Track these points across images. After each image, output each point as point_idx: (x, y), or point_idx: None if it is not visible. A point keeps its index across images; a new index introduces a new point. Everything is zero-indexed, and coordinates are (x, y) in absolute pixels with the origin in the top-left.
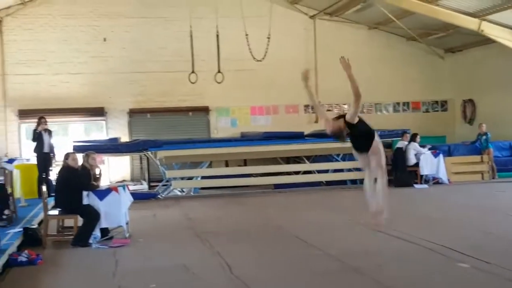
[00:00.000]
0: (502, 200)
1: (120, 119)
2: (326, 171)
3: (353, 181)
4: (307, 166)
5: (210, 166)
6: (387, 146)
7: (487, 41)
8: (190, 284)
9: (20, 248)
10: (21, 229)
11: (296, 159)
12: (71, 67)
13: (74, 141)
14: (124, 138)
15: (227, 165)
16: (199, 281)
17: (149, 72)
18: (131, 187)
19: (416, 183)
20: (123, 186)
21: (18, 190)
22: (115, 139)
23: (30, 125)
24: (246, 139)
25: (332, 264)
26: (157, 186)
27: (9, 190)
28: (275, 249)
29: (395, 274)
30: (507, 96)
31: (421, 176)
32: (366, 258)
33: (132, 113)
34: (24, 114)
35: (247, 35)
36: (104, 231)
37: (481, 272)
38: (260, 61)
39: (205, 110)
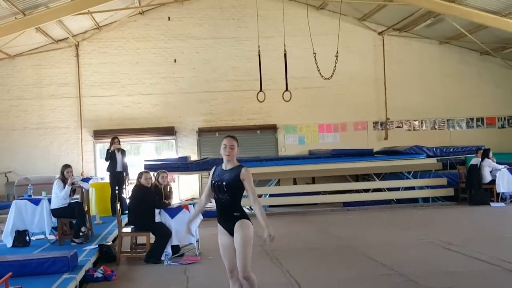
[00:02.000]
0: None
1: (189, 138)
2: (397, 189)
3: (425, 199)
4: (376, 183)
5: (278, 184)
6: (461, 163)
7: None
8: None
9: (95, 264)
10: (97, 246)
11: (365, 177)
12: (143, 88)
13: (146, 160)
14: (194, 156)
15: (295, 183)
16: None
17: (218, 92)
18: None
19: (492, 201)
20: (193, 204)
21: (93, 208)
22: (185, 158)
23: (104, 145)
24: (314, 156)
25: (404, 284)
26: None
27: (85, 208)
28: (345, 268)
29: None
30: None
31: (498, 194)
32: (439, 278)
33: (201, 132)
34: (98, 134)
35: (315, 53)
36: (175, 248)
37: None
38: (328, 79)
39: (272, 128)
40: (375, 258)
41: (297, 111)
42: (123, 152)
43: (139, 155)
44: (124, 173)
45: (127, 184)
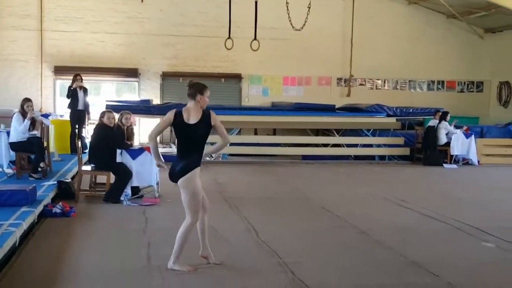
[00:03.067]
0: None
1: (152, 82)
2: (355, 146)
3: (382, 157)
4: (336, 139)
5: (239, 133)
6: (419, 124)
7: None
8: (218, 246)
9: (54, 200)
10: (55, 182)
11: (326, 132)
12: (107, 27)
13: (107, 100)
14: (156, 100)
15: (256, 133)
16: (227, 243)
17: (184, 36)
18: (160, 150)
19: (446, 162)
20: None
21: (52, 145)
22: (147, 101)
23: (64, 82)
24: (277, 108)
25: (357, 236)
26: None
27: (44, 144)
28: (301, 218)
29: (420, 250)
30: None
31: (451, 156)
32: (391, 232)
33: (165, 76)
34: (59, 70)
35: (287, 3)
36: (135, 190)
37: (506, 252)
38: (299, 30)
39: (237, 77)
40: (330, 210)
41: (263, 62)
42: (85, 90)
43: (99, 95)
44: (86, 111)
45: (87, 123)
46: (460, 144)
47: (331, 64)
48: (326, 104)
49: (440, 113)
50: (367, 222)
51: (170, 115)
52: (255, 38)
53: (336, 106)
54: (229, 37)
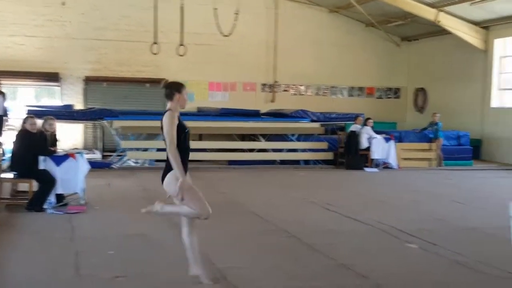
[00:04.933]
0: (449, 187)
1: (75, 86)
2: (281, 150)
3: (307, 161)
4: (262, 144)
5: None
6: (341, 129)
7: (442, 32)
8: (149, 252)
9: None
10: None
11: (252, 137)
12: (27, 30)
13: (28, 105)
14: (78, 105)
15: None
16: (158, 248)
17: (107, 40)
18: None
19: (367, 166)
20: (81, 153)
21: None
22: (69, 106)
23: None
24: (202, 114)
25: (287, 240)
26: (110, 156)
27: None
28: (232, 223)
29: (348, 252)
30: (457, 87)
31: (372, 160)
32: (320, 236)
33: (88, 80)
34: None
35: (215, 8)
36: (60, 197)
37: (428, 253)
38: (227, 36)
39: (162, 82)
40: (260, 215)
41: (188, 67)
42: (3, 94)
43: (16, 100)
44: (4, 117)
45: (4, 128)
46: (381, 148)
47: (255, 70)
48: (251, 110)
49: (361, 118)
50: (296, 226)
51: (175, 118)
52: (181, 44)
53: (261, 112)
54: (155, 42)
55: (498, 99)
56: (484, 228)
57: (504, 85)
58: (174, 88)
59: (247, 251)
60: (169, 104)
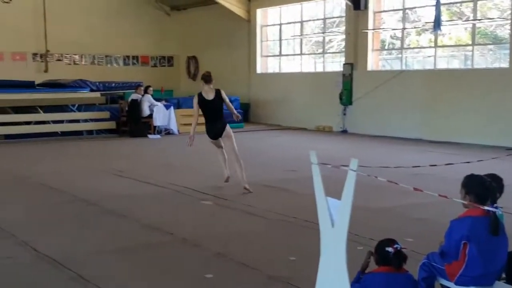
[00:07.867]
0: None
1: None
2: (62, 122)
3: (90, 132)
4: (40, 116)
5: None
6: (120, 98)
7: (209, 1)
8: None
9: None
10: None
11: (28, 109)
12: None
13: None
14: None
15: None
16: None
17: None
18: None
19: (150, 133)
20: None
21: None
22: None
23: None
24: None
25: (88, 208)
26: None
27: None
28: (26, 197)
29: (149, 213)
30: (225, 55)
31: (155, 127)
32: (119, 201)
33: None
34: None
35: None
36: None
37: (222, 207)
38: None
39: None
40: (53, 186)
41: None
42: None
43: None
44: None
45: None
46: (162, 115)
47: (24, 38)
48: (24, 81)
49: (142, 87)
50: (94, 194)
51: (195, 97)
52: None
53: (36, 82)
54: None
55: (262, 65)
56: (269, 181)
57: (266, 52)
58: (212, 77)
59: (51, 223)
60: (206, 86)
